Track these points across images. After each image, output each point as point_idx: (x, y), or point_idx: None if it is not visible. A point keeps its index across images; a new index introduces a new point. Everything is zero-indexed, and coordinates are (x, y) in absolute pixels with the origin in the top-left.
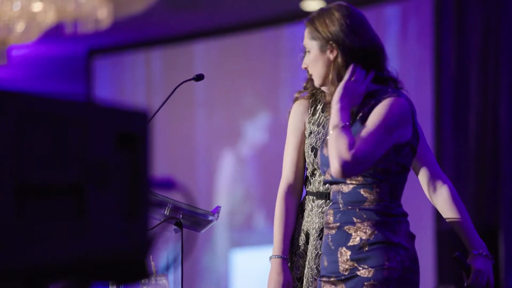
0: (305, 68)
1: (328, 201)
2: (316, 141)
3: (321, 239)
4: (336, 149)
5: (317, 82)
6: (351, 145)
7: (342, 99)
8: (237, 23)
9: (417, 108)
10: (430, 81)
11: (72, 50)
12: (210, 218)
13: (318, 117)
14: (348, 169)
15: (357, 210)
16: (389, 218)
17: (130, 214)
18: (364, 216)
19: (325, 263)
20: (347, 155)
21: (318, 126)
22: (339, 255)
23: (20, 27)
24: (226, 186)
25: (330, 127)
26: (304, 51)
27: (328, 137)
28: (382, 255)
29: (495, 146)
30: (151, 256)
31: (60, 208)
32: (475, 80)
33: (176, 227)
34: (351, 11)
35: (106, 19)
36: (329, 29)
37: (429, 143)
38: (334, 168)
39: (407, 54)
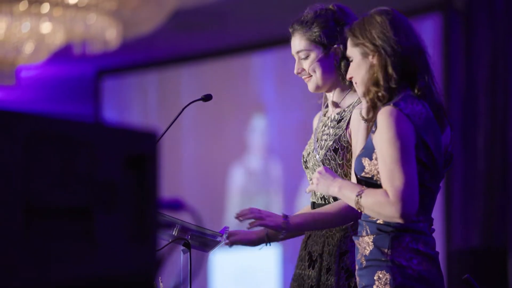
0: (350, 79)
1: None
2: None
3: (313, 268)
4: (381, 210)
5: (361, 90)
6: (384, 193)
7: (330, 183)
8: (244, 44)
9: None
10: None
11: (81, 71)
12: (219, 238)
13: (316, 129)
14: (407, 213)
15: (365, 223)
16: (387, 233)
17: (138, 236)
18: (368, 229)
19: None
20: (395, 206)
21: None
22: (356, 269)
23: (29, 48)
24: (233, 205)
25: (354, 203)
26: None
27: (362, 208)
28: (373, 273)
29: (504, 166)
30: (159, 278)
31: (68, 229)
32: (484, 100)
33: (184, 247)
34: (393, 14)
35: (115, 40)
36: (368, 34)
37: None
38: (398, 220)
39: None
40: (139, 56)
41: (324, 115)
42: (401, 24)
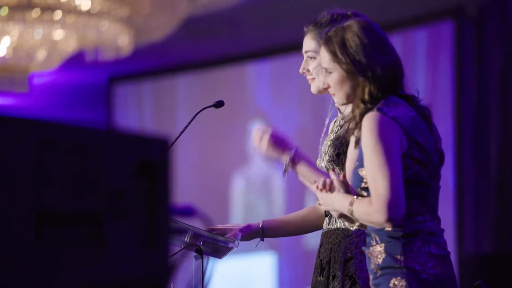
0: (327, 88)
1: (330, 217)
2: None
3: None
4: (369, 218)
5: (341, 102)
6: (370, 201)
7: (330, 201)
8: (257, 50)
9: None
10: (450, 109)
11: (93, 77)
12: (231, 245)
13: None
14: (392, 218)
15: (373, 233)
16: (397, 239)
17: (149, 243)
18: (378, 238)
19: None
20: (379, 212)
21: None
22: (370, 280)
23: (41, 55)
24: (233, 213)
25: (349, 215)
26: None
27: (356, 220)
28: (388, 281)
29: None
30: (171, 284)
31: (79, 236)
32: (496, 108)
33: (196, 254)
34: (373, 28)
35: (127, 47)
36: (351, 54)
37: (450, 171)
38: (386, 225)
39: (427, 83)
40: (151, 62)
41: (334, 122)
42: (381, 39)
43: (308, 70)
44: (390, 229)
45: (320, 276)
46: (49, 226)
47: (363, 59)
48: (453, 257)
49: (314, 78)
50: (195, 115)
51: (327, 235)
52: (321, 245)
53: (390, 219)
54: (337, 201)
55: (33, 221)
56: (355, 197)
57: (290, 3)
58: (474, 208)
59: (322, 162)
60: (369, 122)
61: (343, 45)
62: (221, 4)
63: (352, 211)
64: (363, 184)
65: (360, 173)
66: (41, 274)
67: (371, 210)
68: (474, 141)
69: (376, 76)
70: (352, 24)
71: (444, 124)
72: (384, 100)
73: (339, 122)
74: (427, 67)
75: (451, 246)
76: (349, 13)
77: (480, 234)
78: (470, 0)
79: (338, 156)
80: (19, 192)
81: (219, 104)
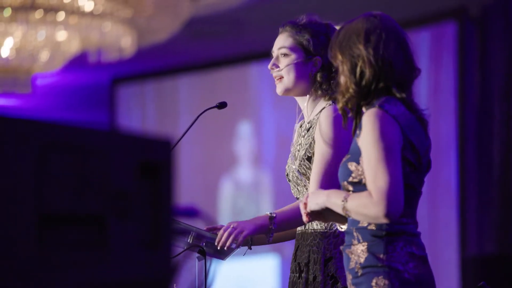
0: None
1: None
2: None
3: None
4: (366, 211)
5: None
6: (369, 194)
7: (318, 196)
8: (259, 51)
9: (441, 137)
10: (453, 110)
11: (96, 78)
12: (233, 245)
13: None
14: (391, 212)
15: (354, 231)
16: (380, 238)
17: (152, 244)
18: (360, 237)
19: None
20: (378, 205)
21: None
22: (347, 279)
23: (44, 56)
24: (231, 212)
25: (341, 209)
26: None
27: (349, 213)
28: (370, 279)
29: None
30: (174, 285)
31: (82, 238)
32: (499, 109)
33: (199, 255)
34: (380, 23)
35: (130, 48)
36: (355, 46)
37: (453, 172)
38: (383, 220)
39: (430, 83)
40: (154, 63)
41: (300, 126)
42: (398, 39)
43: (278, 66)
44: (374, 227)
45: (299, 278)
46: (52, 227)
47: (363, 51)
48: (456, 258)
49: (282, 77)
50: (198, 116)
51: (303, 237)
52: (297, 249)
53: (389, 213)
54: (333, 197)
55: (36, 222)
56: (350, 192)
57: (292, 4)
58: (477, 209)
59: (293, 165)
60: (371, 118)
61: (348, 40)
62: (224, 5)
63: (345, 205)
64: (350, 178)
65: (350, 167)
66: (43, 274)
67: (370, 202)
68: (477, 142)
69: (368, 62)
70: (360, 20)
71: (447, 124)
72: (385, 97)
73: (306, 125)
74: (430, 68)
75: (454, 247)
76: (327, 22)
77: (483, 235)
78: (473, 1)
79: (309, 159)
80: (22, 193)
81: (222, 105)
